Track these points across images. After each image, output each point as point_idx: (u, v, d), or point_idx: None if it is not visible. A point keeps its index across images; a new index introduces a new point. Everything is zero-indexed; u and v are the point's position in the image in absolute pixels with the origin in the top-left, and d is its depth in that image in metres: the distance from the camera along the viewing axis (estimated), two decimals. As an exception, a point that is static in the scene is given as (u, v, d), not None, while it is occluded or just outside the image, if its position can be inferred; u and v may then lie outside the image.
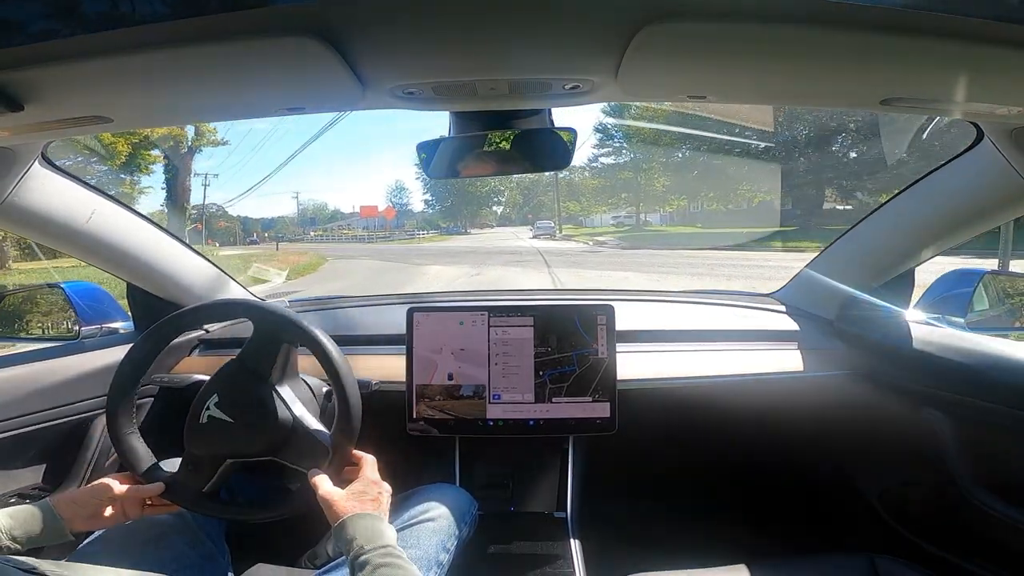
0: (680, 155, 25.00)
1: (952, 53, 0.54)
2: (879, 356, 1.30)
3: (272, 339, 0.93)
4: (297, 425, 0.90)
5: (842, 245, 1.39)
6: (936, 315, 1.32)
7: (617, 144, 28.72)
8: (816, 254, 1.51)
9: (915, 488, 1.27)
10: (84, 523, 0.84)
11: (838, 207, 18.66)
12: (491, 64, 0.63)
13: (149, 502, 0.91)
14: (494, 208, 48.14)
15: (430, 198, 47.31)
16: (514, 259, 14.42)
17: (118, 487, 0.87)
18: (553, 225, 30.85)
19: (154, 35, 0.51)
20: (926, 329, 1.26)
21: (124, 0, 0.49)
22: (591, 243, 20.33)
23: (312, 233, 41.89)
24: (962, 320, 1.27)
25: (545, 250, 17.29)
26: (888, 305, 1.33)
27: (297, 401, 0.93)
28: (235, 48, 0.54)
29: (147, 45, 0.52)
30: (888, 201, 1.23)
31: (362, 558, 0.72)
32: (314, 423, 0.92)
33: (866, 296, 1.35)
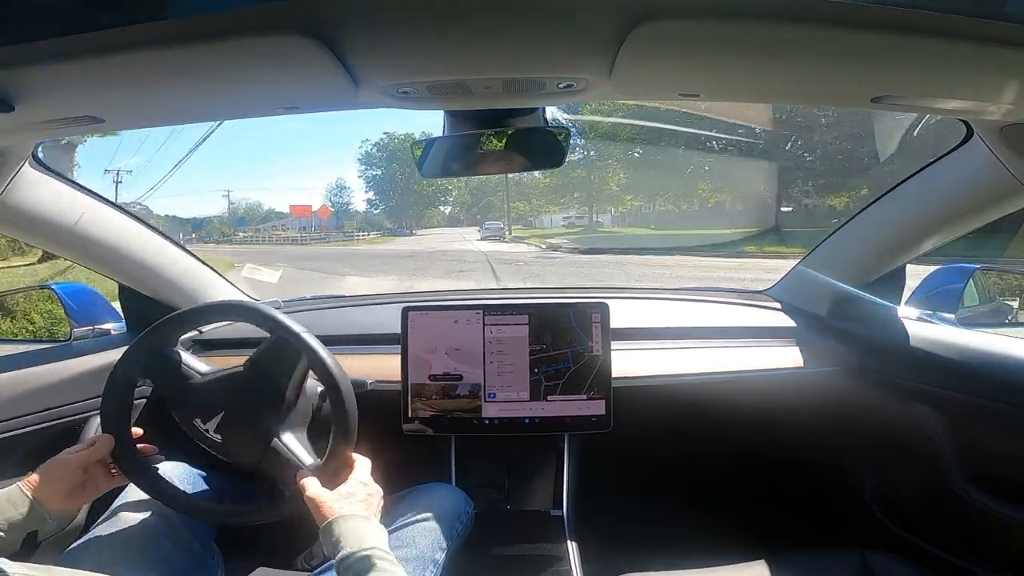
0: (636, 152, 23.79)
1: (941, 51, 0.54)
2: (870, 352, 1.32)
3: (282, 356, 0.92)
4: (281, 451, 0.90)
5: (834, 242, 1.39)
6: (927, 311, 1.33)
7: (571, 140, 27.12)
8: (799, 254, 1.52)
9: (906, 483, 1.28)
10: (60, 501, 0.83)
11: (790, 210, 18.03)
12: (485, 63, 0.64)
13: (115, 470, 0.91)
14: (441, 208, 44.72)
15: (373, 197, 43.04)
16: (456, 266, 13.15)
17: (76, 455, 0.87)
18: (502, 226, 28.69)
19: (145, 34, 0.50)
20: (917, 325, 1.27)
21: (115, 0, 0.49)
22: (543, 246, 18.95)
23: (240, 234, 37.25)
24: (953, 316, 1.28)
25: (494, 254, 15.80)
26: (880, 301, 1.35)
27: (294, 426, 0.93)
28: (227, 47, 0.53)
29: (137, 45, 0.52)
30: (879, 198, 1.24)
31: (346, 561, 0.71)
32: (302, 451, 0.91)
33: (858, 292, 1.36)
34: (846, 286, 1.37)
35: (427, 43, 0.58)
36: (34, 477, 0.83)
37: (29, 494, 0.80)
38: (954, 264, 1.36)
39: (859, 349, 1.34)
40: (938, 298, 1.34)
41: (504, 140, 0.90)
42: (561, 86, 0.70)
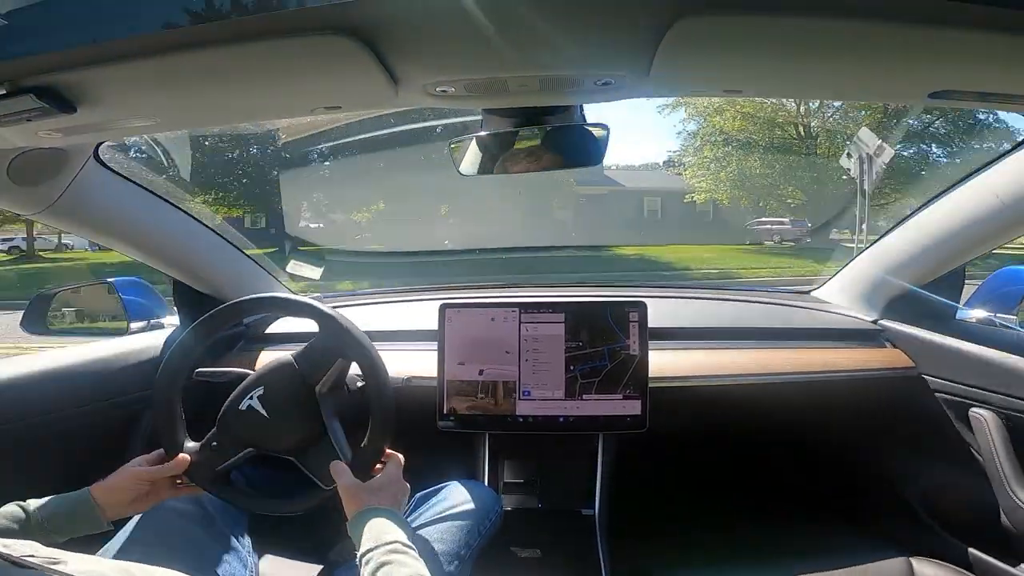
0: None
1: (1008, 45, 0.51)
2: (926, 355, 1.26)
3: (330, 351, 0.95)
4: (326, 439, 0.93)
5: (888, 241, 1.34)
6: (987, 314, 1.27)
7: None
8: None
9: (958, 490, 1.22)
10: (123, 510, 0.87)
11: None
12: (523, 60, 0.63)
13: (180, 481, 0.94)
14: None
15: None
16: None
17: (148, 469, 0.90)
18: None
19: (195, 36, 0.52)
20: (976, 328, 1.22)
21: (168, 2, 0.51)
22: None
23: None
24: (1014, 318, 1.22)
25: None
26: (937, 302, 1.29)
27: (335, 416, 0.95)
28: (272, 48, 0.55)
29: (189, 48, 0.54)
30: (936, 197, 1.18)
31: (368, 555, 0.72)
32: (343, 441, 0.94)
33: (914, 293, 1.30)
34: (901, 287, 1.31)
35: (466, 42, 0.59)
36: (106, 484, 0.87)
37: (97, 501, 0.84)
38: (1015, 267, 1.29)
39: (914, 352, 1.29)
40: (999, 301, 1.28)
41: (541, 138, 0.90)
42: (599, 83, 0.69)
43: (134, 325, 1.41)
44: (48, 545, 0.76)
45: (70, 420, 1.17)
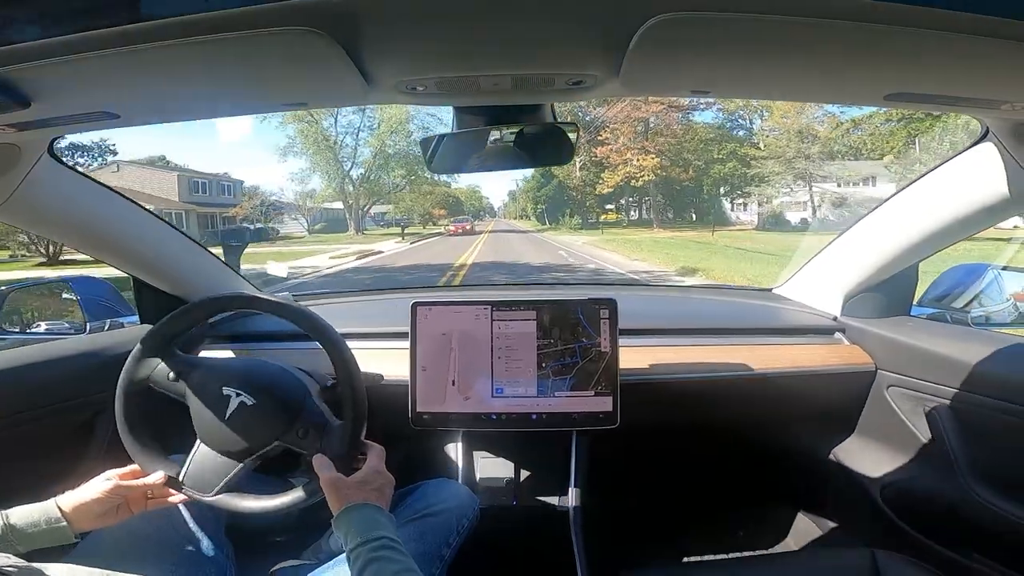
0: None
1: (958, 48, 0.53)
2: (883, 351, 1.31)
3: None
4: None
5: (846, 240, 1.38)
6: (941, 310, 1.32)
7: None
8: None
9: (918, 483, 1.27)
10: (91, 523, 0.83)
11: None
12: (495, 59, 0.64)
13: (150, 494, 0.90)
14: None
15: None
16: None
17: (123, 483, 0.86)
18: None
19: (158, 30, 0.51)
20: (930, 324, 1.26)
21: None
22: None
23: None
24: (967, 315, 1.27)
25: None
26: (893, 300, 1.33)
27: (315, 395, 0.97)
28: (239, 42, 0.54)
29: (151, 40, 0.52)
30: (892, 196, 1.22)
31: (357, 550, 0.72)
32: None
33: (872, 290, 1.35)
34: (858, 285, 1.36)
35: (438, 40, 0.59)
36: (74, 496, 0.83)
37: (63, 513, 0.80)
38: (968, 264, 1.34)
39: (872, 348, 1.33)
40: (952, 297, 1.33)
41: (513, 136, 0.90)
42: (570, 83, 0.70)
43: (92, 325, 1.36)
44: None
45: (22, 424, 1.12)
